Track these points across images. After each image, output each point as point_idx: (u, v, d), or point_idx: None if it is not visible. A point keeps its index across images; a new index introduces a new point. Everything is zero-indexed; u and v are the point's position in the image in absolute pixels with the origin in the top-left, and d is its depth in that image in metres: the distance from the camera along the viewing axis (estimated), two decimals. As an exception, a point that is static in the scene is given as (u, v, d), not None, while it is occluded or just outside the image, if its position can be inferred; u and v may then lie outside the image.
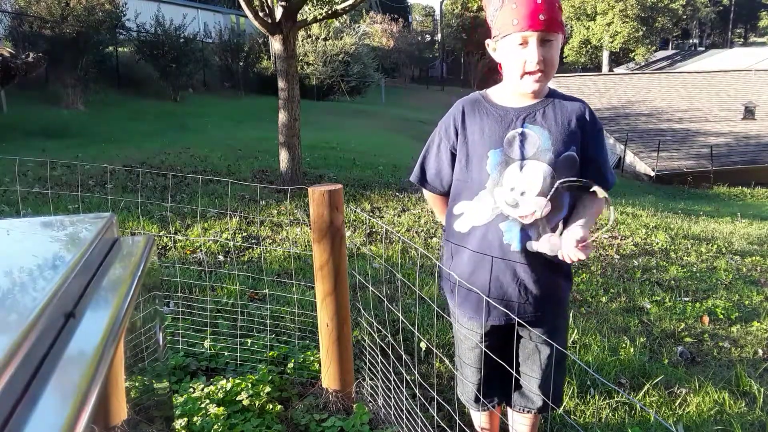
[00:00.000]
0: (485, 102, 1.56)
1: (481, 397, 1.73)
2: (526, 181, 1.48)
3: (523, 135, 1.49)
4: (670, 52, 44.38)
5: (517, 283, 1.55)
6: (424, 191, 1.75)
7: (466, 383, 1.73)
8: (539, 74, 1.45)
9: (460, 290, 1.60)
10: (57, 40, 13.70)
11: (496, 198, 1.50)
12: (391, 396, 2.13)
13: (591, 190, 1.43)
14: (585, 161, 1.54)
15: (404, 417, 2.04)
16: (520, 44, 1.43)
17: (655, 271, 4.48)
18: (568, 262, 1.47)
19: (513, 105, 1.53)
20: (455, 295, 1.61)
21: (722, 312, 3.59)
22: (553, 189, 1.45)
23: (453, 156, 1.60)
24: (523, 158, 1.48)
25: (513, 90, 1.53)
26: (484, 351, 1.63)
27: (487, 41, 1.55)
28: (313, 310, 2.57)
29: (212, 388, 2.25)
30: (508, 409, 1.82)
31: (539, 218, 1.49)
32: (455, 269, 1.61)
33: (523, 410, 1.76)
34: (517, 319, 1.49)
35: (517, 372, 1.64)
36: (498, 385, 1.71)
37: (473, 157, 1.54)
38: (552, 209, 1.50)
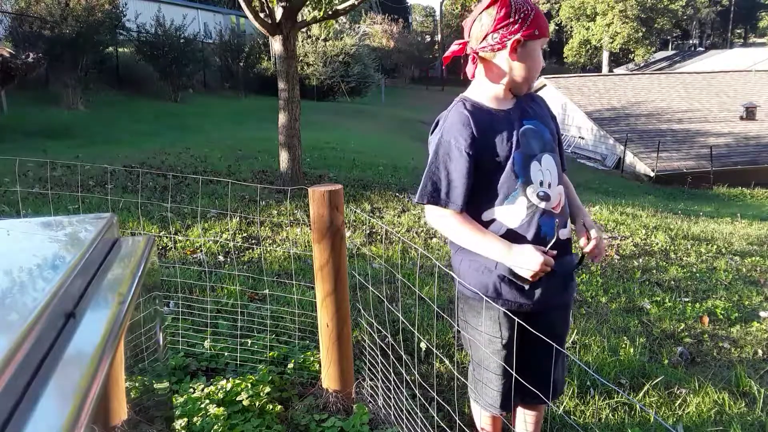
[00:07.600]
0: (483, 108, 1.57)
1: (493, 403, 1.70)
2: (548, 173, 1.58)
3: (529, 131, 1.57)
4: (669, 52, 44.36)
5: (555, 269, 1.61)
6: (437, 212, 1.56)
7: (490, 389, 1.69)
8: None
9: (503, 285, 1.58)
10: (57, 40, 13.69)
11: (529, 196, 1.55)
12: (391, 396, 2.13)
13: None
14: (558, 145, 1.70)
15: (404, 417, 2.04)
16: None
17: (654, 271, 4.48)
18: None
19: (502, 107, 1.58)
20: (502, 290, 1.58)
21: (722, 312, 3.59)
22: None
23: (473, 167, 1.53)
24: (539, 152, 1.57)
25: (517, 90, 1.58)
26: (507, 354, 1.63)
27: (506, 40, 1.50)
28: (313, 310, 2.57)
29: (212, 388, 2.25)
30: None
31: (562, 205, 1.61)
32: (500, 270, 1.57)
33: (534, 402, 1.76)
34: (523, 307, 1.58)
35: (534, 365, 1.66)
36: (519, 384, 1.67)
37: (501, 162, 1.54)
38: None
